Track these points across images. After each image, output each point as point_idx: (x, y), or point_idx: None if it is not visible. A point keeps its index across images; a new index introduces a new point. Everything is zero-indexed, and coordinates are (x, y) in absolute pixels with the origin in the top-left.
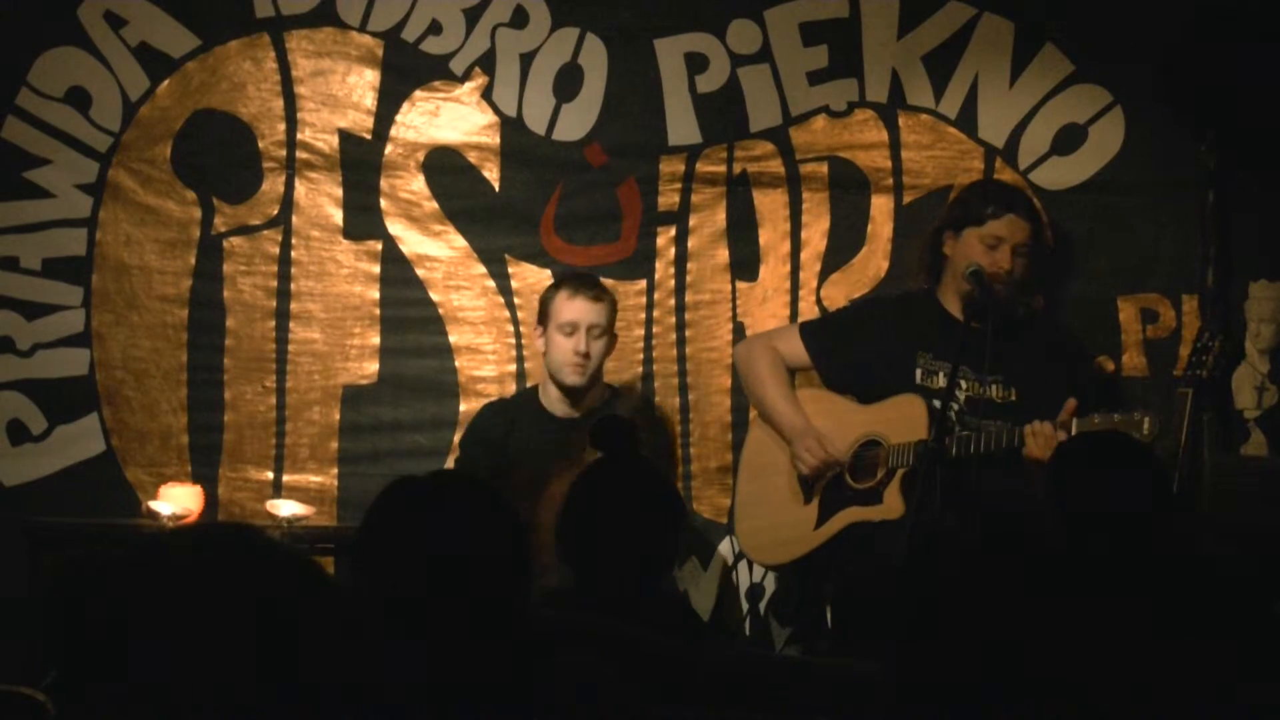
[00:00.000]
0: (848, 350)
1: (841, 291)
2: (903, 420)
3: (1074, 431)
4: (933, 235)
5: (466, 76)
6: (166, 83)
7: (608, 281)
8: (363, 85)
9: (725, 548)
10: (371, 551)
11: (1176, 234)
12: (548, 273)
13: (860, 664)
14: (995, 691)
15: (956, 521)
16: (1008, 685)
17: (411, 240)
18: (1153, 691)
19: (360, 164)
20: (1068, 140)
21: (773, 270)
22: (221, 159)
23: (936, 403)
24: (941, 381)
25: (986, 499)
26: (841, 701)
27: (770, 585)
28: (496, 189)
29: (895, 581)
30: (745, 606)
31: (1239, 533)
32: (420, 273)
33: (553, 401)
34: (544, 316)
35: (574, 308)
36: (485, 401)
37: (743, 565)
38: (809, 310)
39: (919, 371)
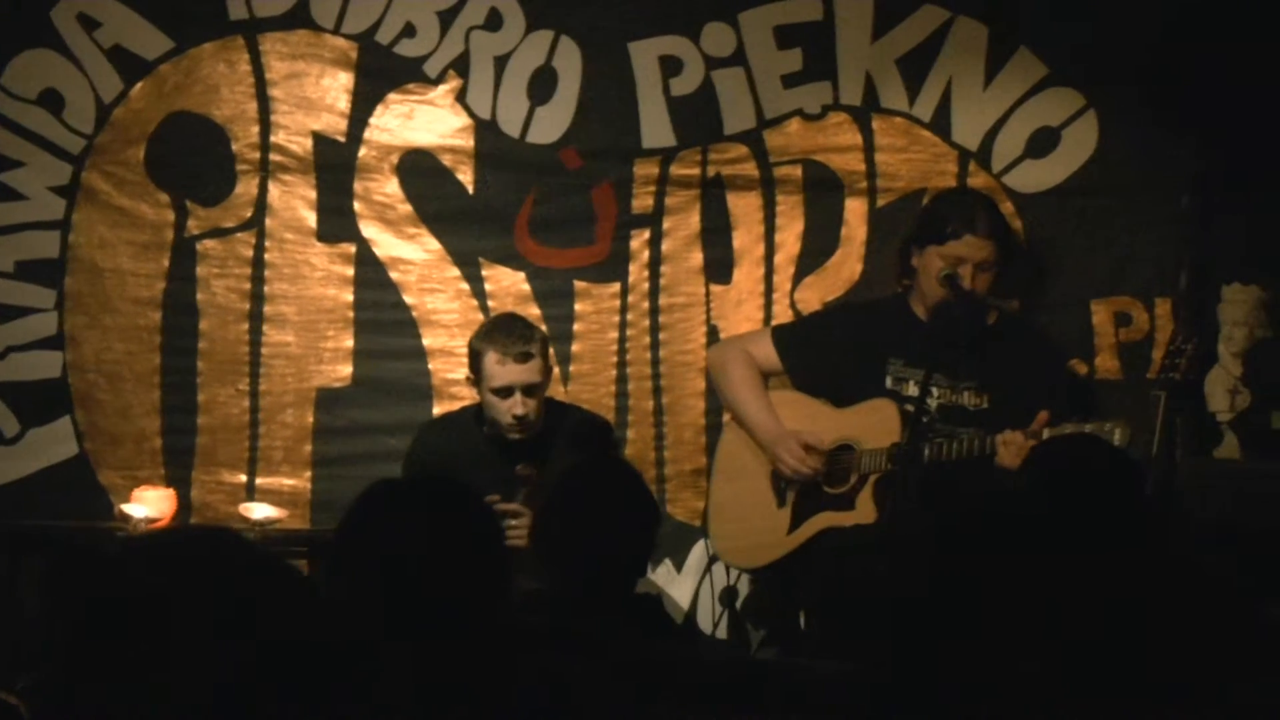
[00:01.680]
0: (819, 355)
1: (816, 294)
2: (876, 425)
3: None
4: (901, 246)
5: (441, 79)
6: (140, 85)
7: (581, 284)
8: (337, 88)
9: (700, 550)
10: (348, 554)
11: (1150, 237)
12: (522, 275)
13: (832, 664)
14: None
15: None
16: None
17: (385, 243)
18: (1141, 689)
19: (334, 167)
20: (1041, 143)
21: (747, 273)
22: (195, 161)
23: (910, 408)
24: (912, 389)
25: (964, 496)
26: (815, 702)
27: (744, 588)
28: (470, 192)
29: (871, 585)
30: (720, 609)
31: (1213, 535)
32: (394, 275)
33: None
34: (475, 371)
35: (506, 373)
36: (457, 407)
37: (718, 568)
38: (783, 313)
39: (889, 378)
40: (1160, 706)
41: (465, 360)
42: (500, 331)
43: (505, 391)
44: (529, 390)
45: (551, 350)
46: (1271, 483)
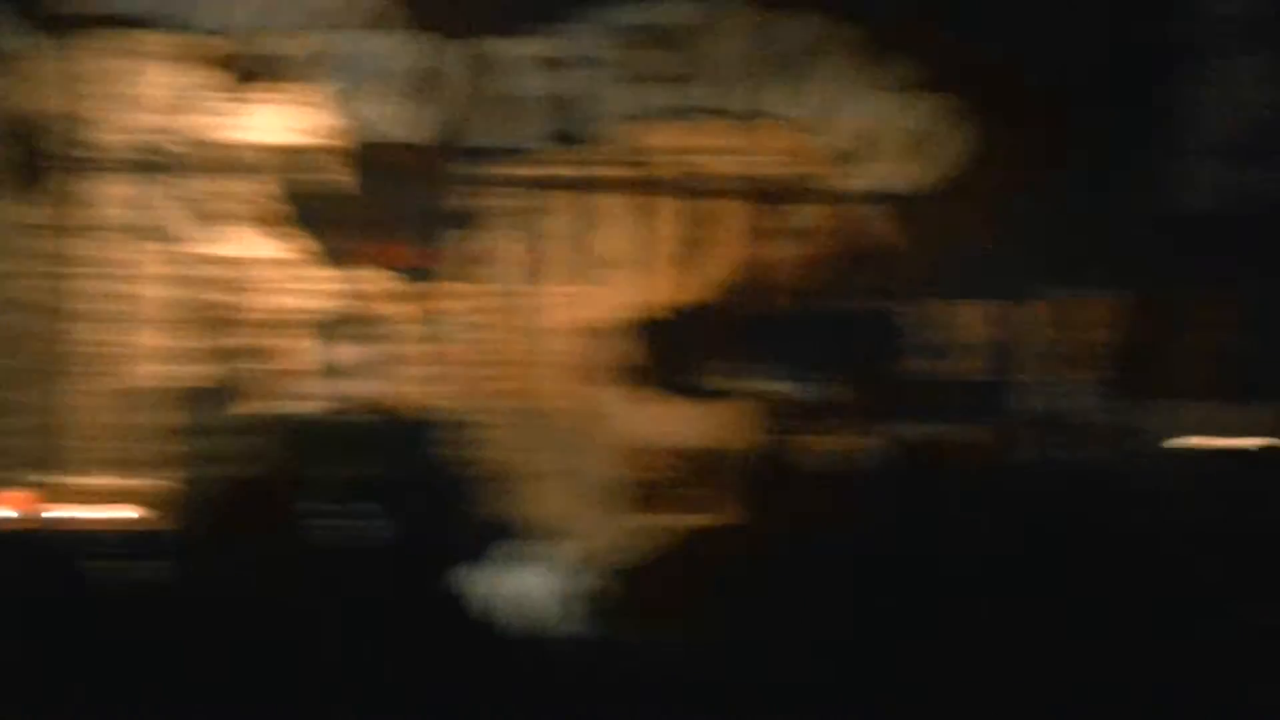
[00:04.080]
0: (677, 351)
1: (686, 295)
2: (732, 424)
3: None
4: (748, 250)
5: (313, 79)
6: None
7: (447, 284)
8: None
9: (557, 548)
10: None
11: (1019, 239)
12: (390, 276)
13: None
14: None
15: None
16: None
17: (254, 242)
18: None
19: None
20: (914, 146)
21: (617, 274)
22: None
23: (769, 405)
24: (773, 383)
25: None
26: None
27: (603, 583)
28: (345, 192)
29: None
30: (578, 605)
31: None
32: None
33: None
34: None
35: None
36: None
37: (577, 563)
38: (655, 314)
39: (748, 374)
40: None
41: None
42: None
43: None
44: None
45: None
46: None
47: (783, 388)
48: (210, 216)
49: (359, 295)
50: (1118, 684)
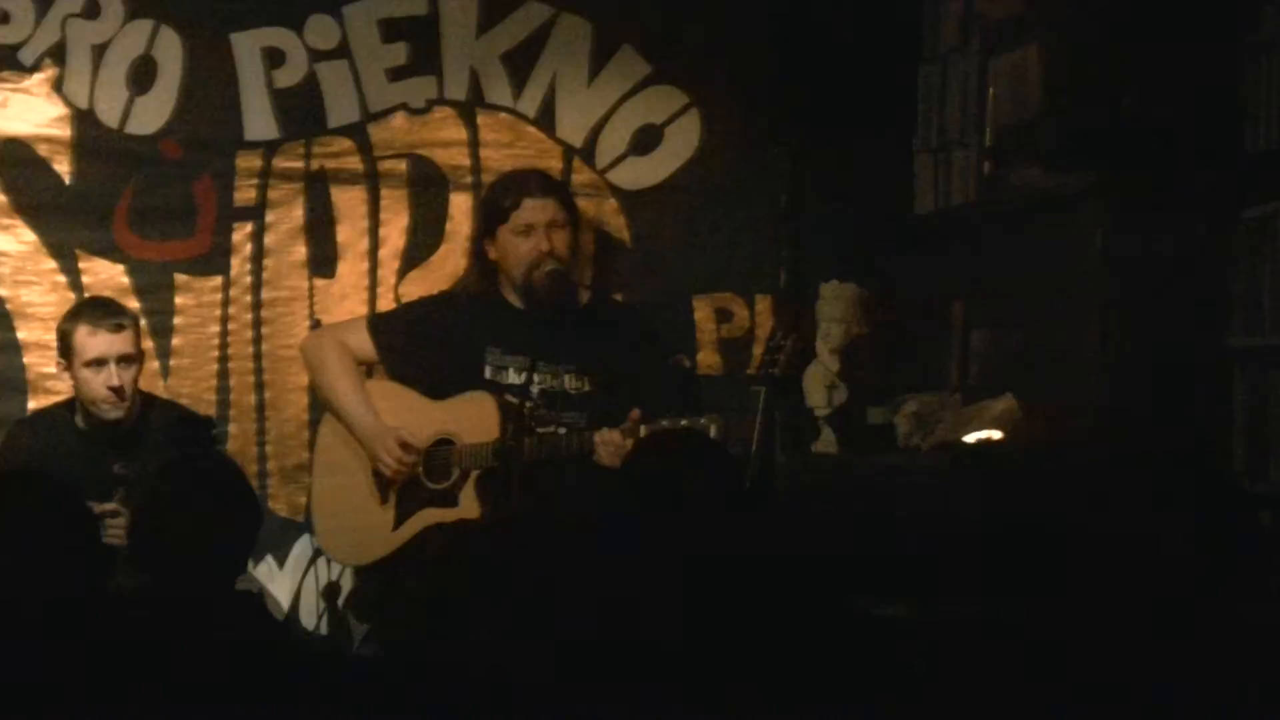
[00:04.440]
0: (415, 345)
1: (420, 289)
2: (473, 419)
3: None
4: (473, 248)
5: (36, 67)
6: None
7: (182, 277)
8: None
9: (302, 546)
10: None
11: (751, 235)
12: (121, 268)
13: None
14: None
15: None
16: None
17: None
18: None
19: None
20: (645, 141)
21: (351, 267)
22: None
23: (511, 398)
24: (513, 376)
25: (559, 499)
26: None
27: (348, 582)
28: (67, 182)
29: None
30: (322, 605)
31: (809, 530)
32: None
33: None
34: (66, 351)
35: (97, 344)
36: (51, 402)
37: (320, 562)
38: (388, 308)
39: (488, 368)
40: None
41: None
42: (88, 308)
43: (99, 363)
44: (124, 361)
45: (148, 342)
46: (868, 477)
47: (525, 381)
48: None
49: (97, 288)
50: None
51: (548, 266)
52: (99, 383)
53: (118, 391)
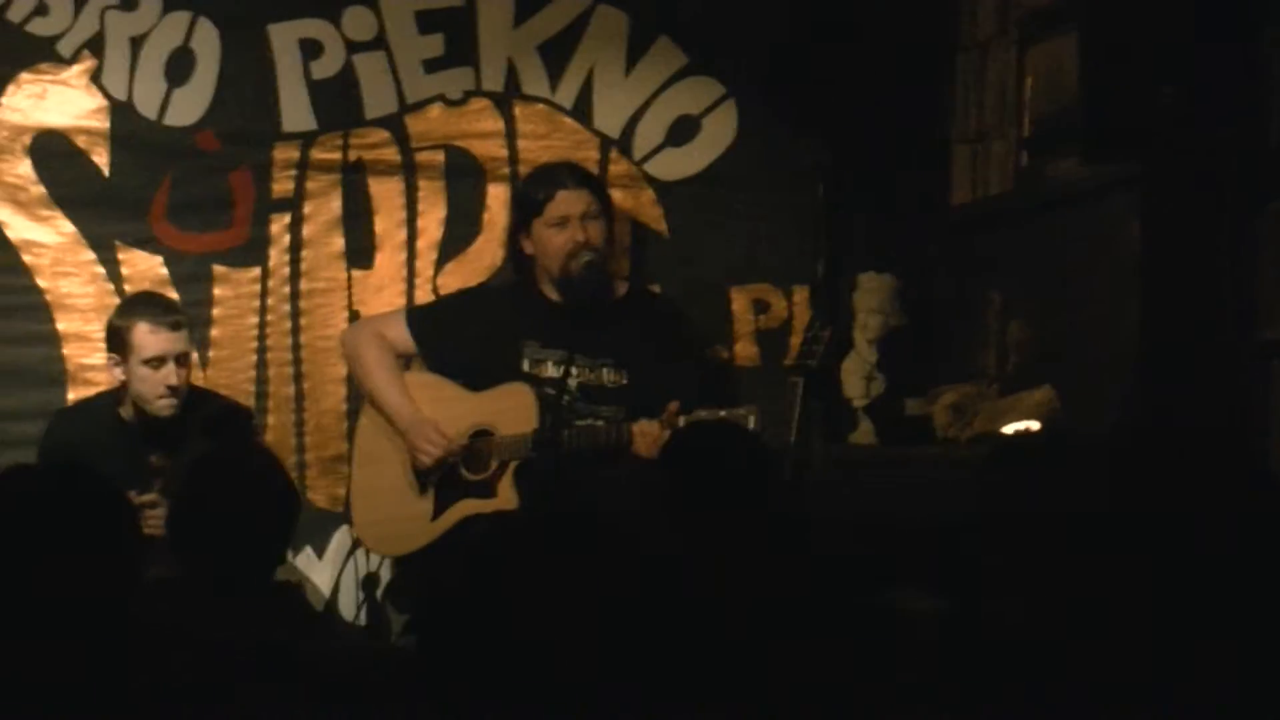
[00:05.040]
0: (453, 338)
1: (458, 280)
2: (512, 410)
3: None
4: (510, 243)
5: (75, 59)
6: None
7: (220, 269)
8: None
9: (341, 537)
10: None
11: (788, 226)
12: (159, 259)
13: None
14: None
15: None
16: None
17: (18, 226)
18: (760, 693)
19: None
20: (681, 132)
21: (389, 259)
22: None
23: (550, 391)
24: (550, 370)
25: (600, 491)
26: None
27: (386, 574)
28: (106, 174)
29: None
30: (361, 596)
31: (848, 522)
32: (26, 259)
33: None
34: (120, 347)
35: (159, 342)
36: (95, 392)
37: (359, 554)
38: (425, 299)
39: (526, 361)
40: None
41: (101, 345)
42: (144, 305)
43: (159, 361)
44: (181, 359)
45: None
46: (904, 468)
47: (563, 375)
48: (5, 200)
49: (136, 280)
50: None
51: (585, 258)
52: (157, 380)
53: (174, 390)
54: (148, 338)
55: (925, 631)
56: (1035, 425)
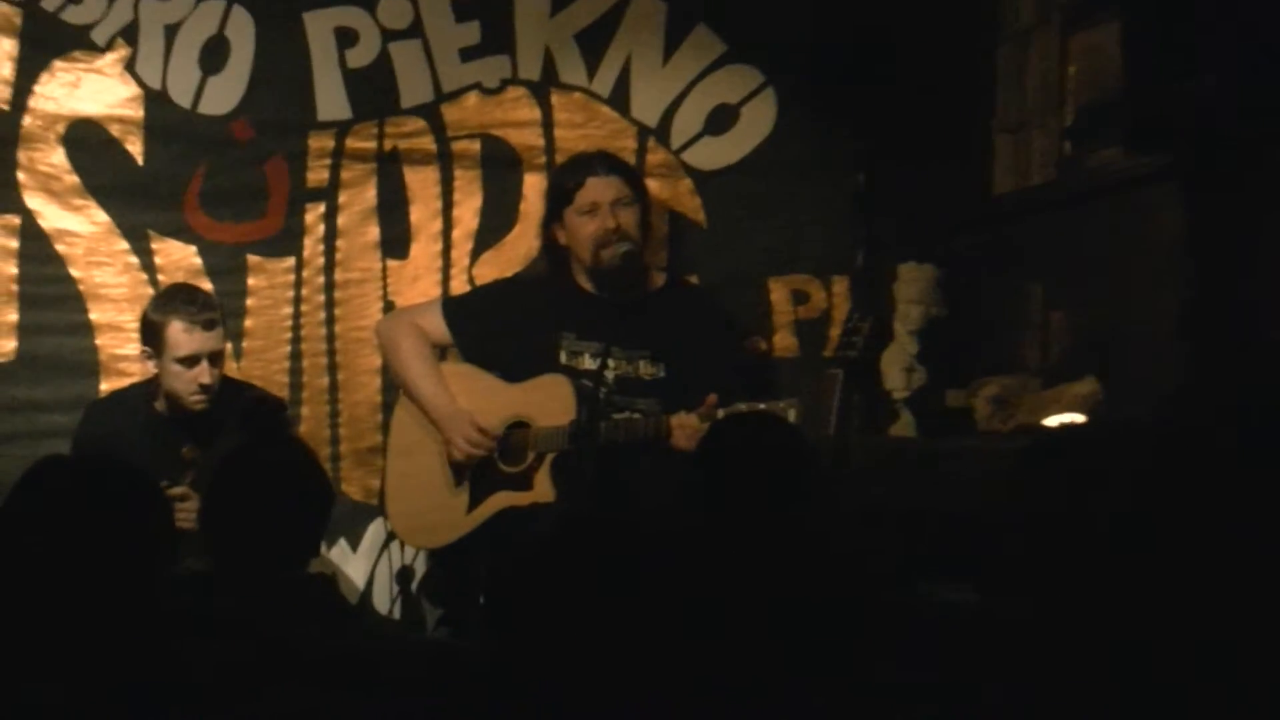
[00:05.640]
0: (489, 329)
1: (493, 270)
2: (549, 402)
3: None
4: (542, 232)
5: (109, 47)
6: None
7: (254, 259)
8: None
9: (375, 530)
10: (14, 534)
11: (827, 215)
12: (193, 249)
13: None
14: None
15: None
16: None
17: (51, 215)
18: (773, 687)
19: None
20: (720, 121)
21: (424, 248)
22: None
23: (586, 383)
24: (587, 362)
25: (635, 484)
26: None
27: (421, 566)
28: (140, 163)
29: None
30: (395, 589)
31: (886, 514)
32: (60, 248)
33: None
34: (154, 341)
35: (193, 341)
36: (125, 384)
37: (393, 546)
38: (461, 289)
39: (563, 353)
40: (813, 693)
41: (134, 335)
42: (181, 301)
43: (192, 360)
44: (215, 358)
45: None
46: (945, 460)
47: (600, 367)
48: (38, 189)
49: (170, 270)
50: None
51: (621, 248)
52: (190, 379)
53: (206, 389)
54: (181, 336)
55: (965, 626)
56: (1080, 418)
